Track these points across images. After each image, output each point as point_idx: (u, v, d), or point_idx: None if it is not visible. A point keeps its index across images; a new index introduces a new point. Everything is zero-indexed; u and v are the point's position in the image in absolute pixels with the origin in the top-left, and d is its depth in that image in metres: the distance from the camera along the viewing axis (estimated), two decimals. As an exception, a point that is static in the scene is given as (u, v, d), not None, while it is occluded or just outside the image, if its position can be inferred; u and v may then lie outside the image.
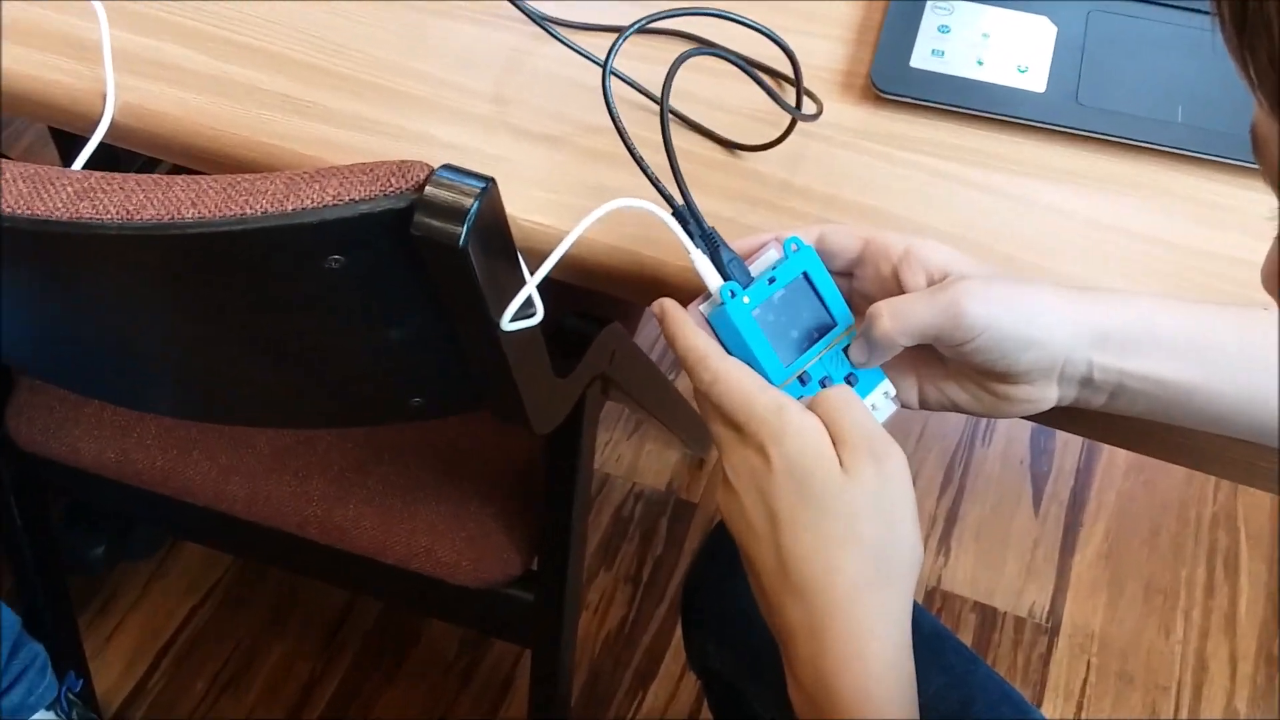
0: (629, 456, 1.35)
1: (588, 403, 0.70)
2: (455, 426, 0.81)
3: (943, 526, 1.30)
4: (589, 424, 0.72)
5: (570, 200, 0.59)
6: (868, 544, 0.42)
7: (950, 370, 0.49)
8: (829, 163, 0.62)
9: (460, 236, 0.43)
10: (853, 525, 0.42)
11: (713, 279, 0.48)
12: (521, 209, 0.58)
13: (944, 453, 1.36)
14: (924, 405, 0.51)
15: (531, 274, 0.49)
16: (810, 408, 0.44)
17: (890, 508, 0.43)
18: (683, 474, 1.33)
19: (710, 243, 0.49)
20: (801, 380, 0.48)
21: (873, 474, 0.43)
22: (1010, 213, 0.60)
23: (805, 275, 0.49)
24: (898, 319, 0.46)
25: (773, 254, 0.50)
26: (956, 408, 0.50)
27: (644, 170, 0.50)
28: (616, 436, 1.37)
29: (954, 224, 0.59)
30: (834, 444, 0.43)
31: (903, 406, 0.51)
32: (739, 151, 0.62)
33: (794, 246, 0.49)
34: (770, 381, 0.46)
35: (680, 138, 0.62)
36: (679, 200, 0.50)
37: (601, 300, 0.67)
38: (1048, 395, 0.48)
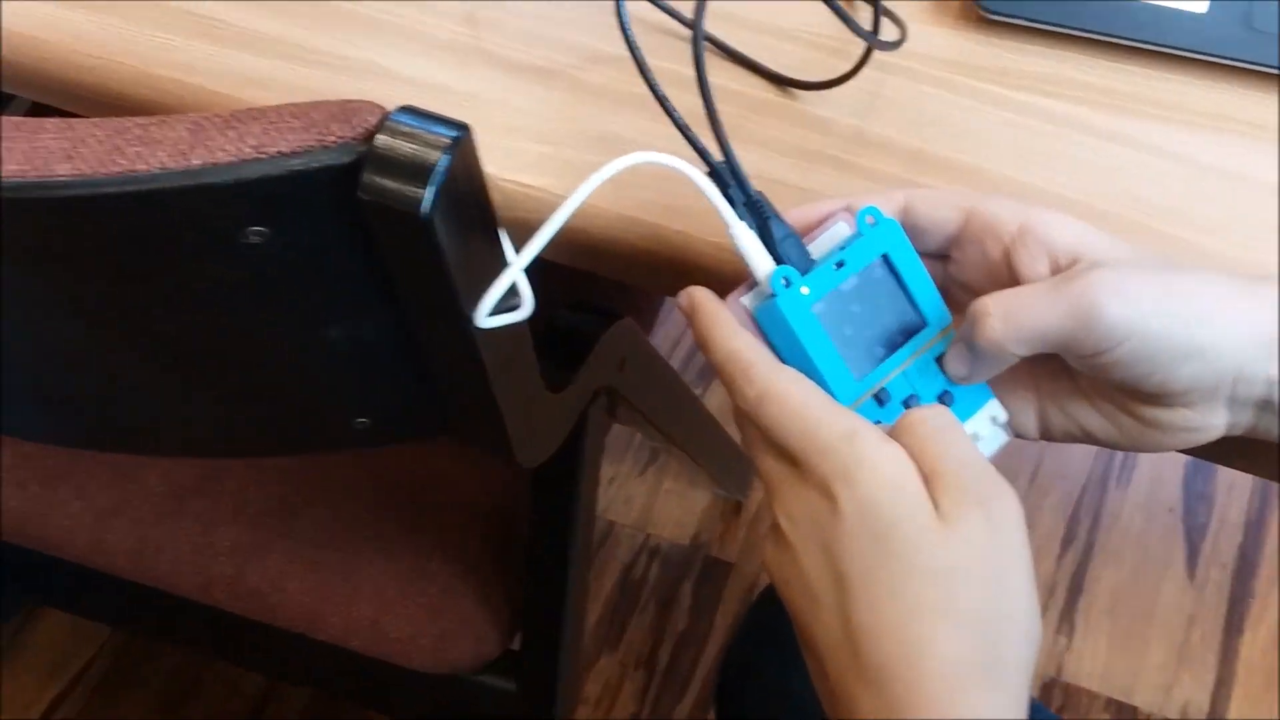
0: (642, 498, 1.36)
1: (589, 426, 0.70)
2: (413, 458, 0.81)
3: (1065, 597, 1.30)
4: (590, 454, 0.72)
5: (569, 154, 0.59)
6: (969, 617, 0.42)
7: (1081, 388, 0.49)
8: (915, 105, 0.62)
9: (423, 202, 0.43)
10: (950, 591, 0.42)
11: (761, 262, 0.48)
12: (504, 166, 0.58)
13: (1066, 498, 1.37)
14: (1045, 435, 0.51)
15: (517, 252, 0.49)
16: (891, 435, 0.45)
17: (1001, 569, 0.43)
18: (714, 522, 1.34)
19: (758, 213, 0.49)
20: (879, 399, 0.48)
21: (978, 523, 0.43)
22: (1159, 174, 0.60)
23: (885, 258, 0.49)
24: (1011, 320, 0.46)
25: (842, 229, 0.50)
26: (1089, 438, 0.50)
27: (670, 115, 0.50)
28: (626, 471, 1.38)
29: (1083, 189, 0.59)
30: (925, 483, 0.43)
31: (1016, 436, 0.51)
32: (796, 90, 0.62)
33: (870, 219, 0.49)
34: (837, 400, 0.46)
35: (718, 72, 0.62)
36: (716, 156, 0.50)
37: (608, 289, 0.67)
38: (1212, 422, 0.47)
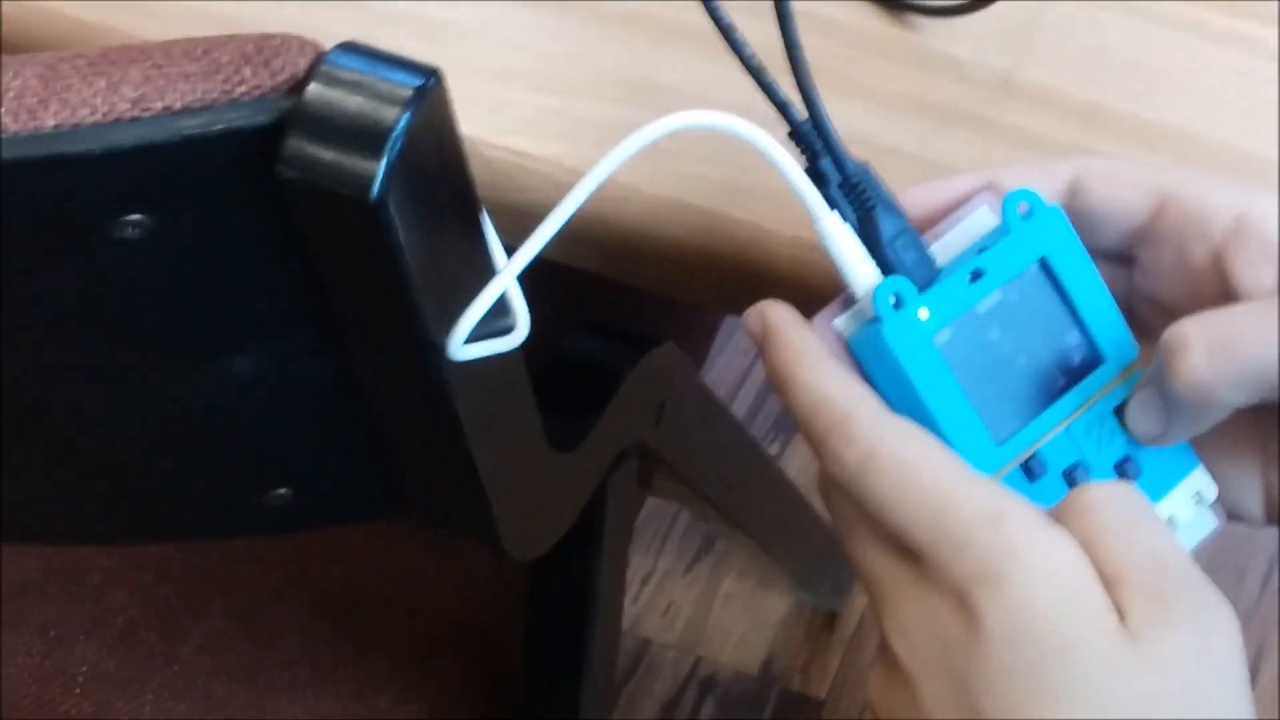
0: (690, 607, 1.36)
1: (611, 501, 0.71)
2: (358, 550, 0.82)
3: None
4: (613, 543, 0.73)
5: (586, 110, 0.59)
6: None
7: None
8: (1090, 39, 0.62)
9: (373, 181, 0.43)
10: None
11: (861, 270, 0.48)
12: (492, 127, 0.58)
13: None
14: (1275, 517, 0.51)
15: (509, 253, 0.50)
16: (1055, 518, 0.45)
17: (1211, 707, 0.43)
18: (795, 643, 1.34)
19: (859, 198, 0.49)
20: (1029, 471, 0.49)
21: (1183, 644, 0.43)
22: None
23: (1043, 264, 0.49)
24: (1223, 353, 0.46)
25: (982, 220, 0.50)
26: (1346, 525, 0.50)
27: (735, 50, 0.50)
28: (667, 568, 1.38)
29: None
30: (1105, 587, 0.44)
31: (1233, 520, 0.51)
32: (919, 18, 0.63)
33: (1023, 206, 0.49)
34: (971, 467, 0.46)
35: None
36: (800, 113, 0.50)
37: (644, 306, 0.67)
38: None
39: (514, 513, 0.60)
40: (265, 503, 0.60)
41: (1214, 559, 1.46)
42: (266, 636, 0.80)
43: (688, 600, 1.37)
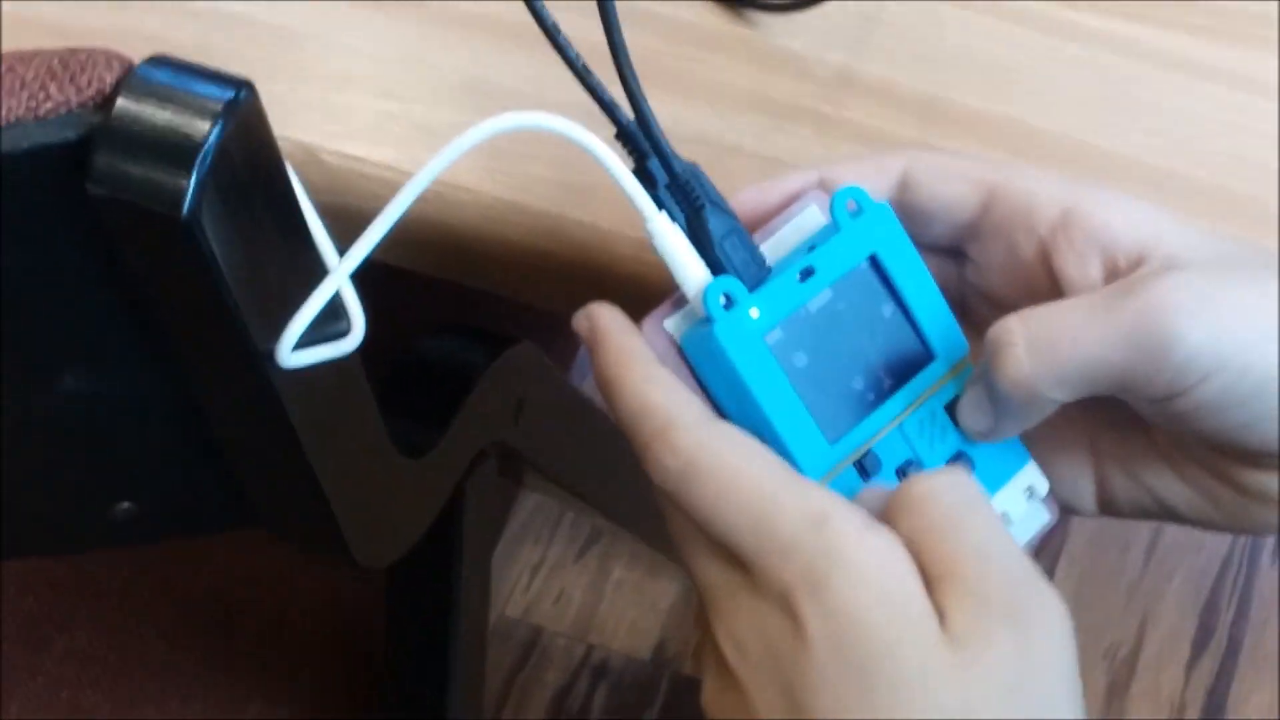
0: (581, 594, 1.36)
1: (470, 502, 0.70)
2: (221, 557, 0.81)
3: (1198, 720, 1.31)
4: (474, 543, 0.72)
5: (423, 115, 0.59)
6: None
7: (1156, 444, 0.50)
8: (929, 33, 0.62)
9: (184, 196, 0.43)
10: None
11: (691, 270, 0.48)
12: (328, 134, 0.58)
13: (1199, 580, 1.38)
14: (1109, 509, 0.51)
15: (341, 254, 0.49)
16: (886, 516, 0.45)
17: (1036, 706, 0.43)
18: (686, 628, 1.34)
19: (687, 198, 0.49)
20: (863, 469, 0.49)
21: (1006, 646, 0.43)
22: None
23: (873, 261, 0.49)
24: (1046, 350, 0.46)
25: (812, 218, 0.50)
26: (1171, 514, 0.50)
27: (562, 54, 0.50)
28: (557, 556, 1.37)
29: (1171, 149, 0.59)
30: (928, 586, 0.44)
31: (1065, 513, 0.51)
32: (756, 14, 0.62)
33: (851, 204, 0.49)
34: (800, 471, 0.46)
35: (640, -12, 0.63)
36: (626, 113, 0.50)
37: (504, 308, 0.67)
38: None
39: (361, 521, 0.59)
40: (110, 516, 0.59)
41: (1097, 534, 1.48)
42: (132, 645, 0.79)
43: (579, 588, 1.37)
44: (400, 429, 0.61)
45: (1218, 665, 1.34)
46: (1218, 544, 1.39)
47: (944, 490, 0.45)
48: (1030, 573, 0.44)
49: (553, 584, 1.37)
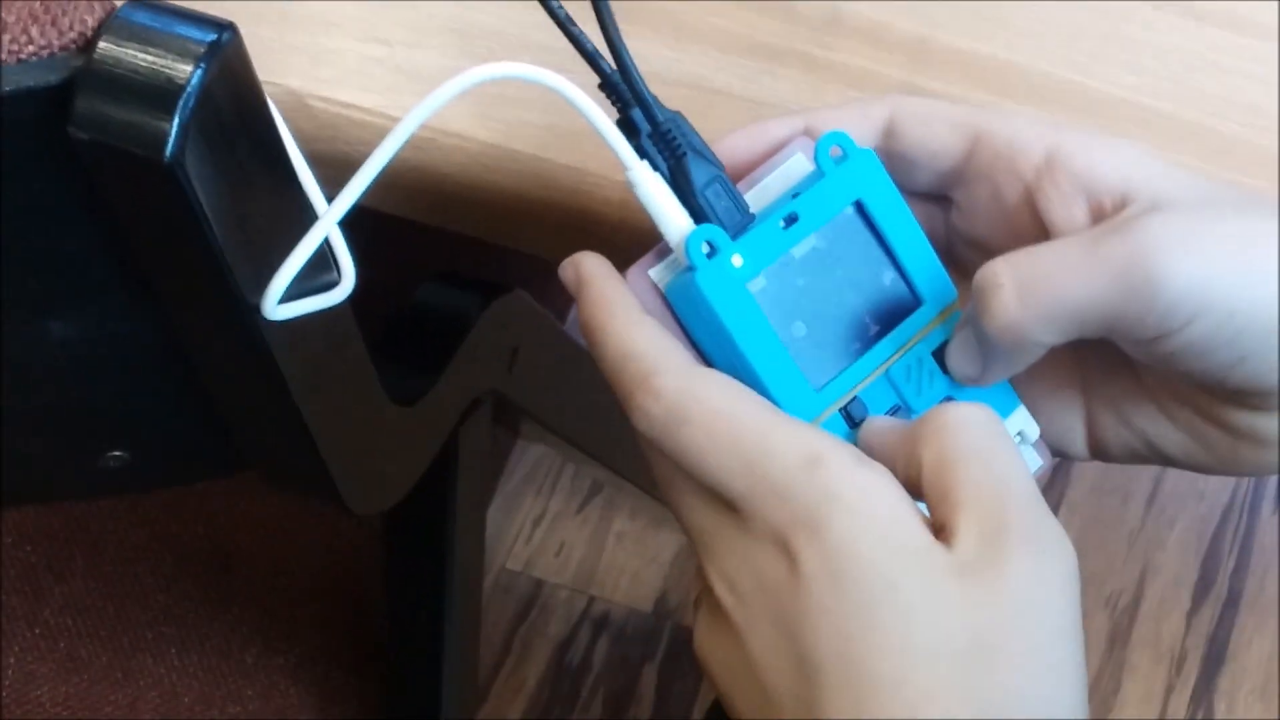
0: (582, 546, 1.36)
1: (464, 450, 0.70)
2: (218, 505, 0.81)
3: (1199, 669, 1.32)
4: (468, 490, 0.72)
5: (410, 59, 0.59)
6: (1002, 714, 0.42)
7: (1146, 386, 0.50)
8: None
9: (167, 139, 0.42)
10: (974, 676, 0.42)
11: (674, 219, 0.48)
12: (313, 79, 0.58)
13: (1200, 527, 1.38)
14: (1100, 453, 0.51)
15: (329, 201, 0.48)
16: (913, 434, 0.45)
17: (1045, 630, 0.43)
18: (688, 580, 1.34)
19: (669, 146, 0.48)
20: (849, 416, 0.49)
21: (1027, 565, 0.43)
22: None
23: (858, 207, 0.49)
24: (1032, 292, 0.46)
25: (797, 165, 0.50)
26: (1162, 457, 0.50)
27: (544, 3, 0.49)
28: (557, 509, 1.38)
29: (1160, 90, 0.59)
30: (947, 511, 0.44)
31: (1057, 457, 0.51)
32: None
33: (836, 150, 0.49)
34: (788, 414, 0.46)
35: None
36: (608, 62, 0.49)
37: (497, 255, 0.66)
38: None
39: (353, 468, 0.59)
40: (102, 465, 0.59)
41: (1098, 482, 1.48)
42: (130, 595, 0.80)
43: (580, 540, 1.37)
44: (392, 377, 0.61)
45: (1218, 614, 1.34)
46: (1219, 493, 1.39)
47: (973, 421, 0.45)
48: (1043, 507, 0.45)
49: (554, 536, 1.37)
